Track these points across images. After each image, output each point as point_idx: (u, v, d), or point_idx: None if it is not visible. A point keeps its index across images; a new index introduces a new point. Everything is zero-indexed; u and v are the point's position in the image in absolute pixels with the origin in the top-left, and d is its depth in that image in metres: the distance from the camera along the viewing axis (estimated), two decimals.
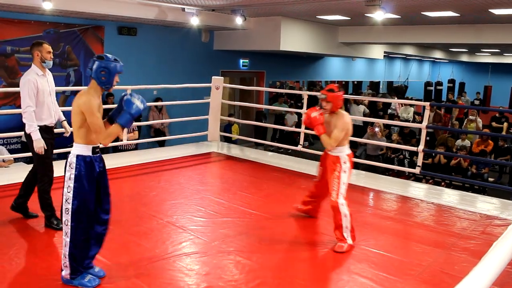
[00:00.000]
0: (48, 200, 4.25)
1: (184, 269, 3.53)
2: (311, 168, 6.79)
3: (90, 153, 3.16)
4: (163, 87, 8.76)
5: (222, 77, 8.28)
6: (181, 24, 9.98)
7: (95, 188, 3.19)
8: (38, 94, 4.12)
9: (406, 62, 23.37)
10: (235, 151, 8.05)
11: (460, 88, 23.68)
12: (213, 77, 8.05)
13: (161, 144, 9.65)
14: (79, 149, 3.14)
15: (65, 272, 3.15)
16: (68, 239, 3.08)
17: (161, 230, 4.25)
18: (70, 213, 3.07)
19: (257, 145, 10.17)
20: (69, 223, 3.07)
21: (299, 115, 11.74)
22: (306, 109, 7.15)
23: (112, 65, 3.19)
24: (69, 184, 3.09)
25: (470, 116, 12.39)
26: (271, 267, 3.63)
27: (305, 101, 7.26)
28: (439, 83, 22.74)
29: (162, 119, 10.06)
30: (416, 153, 6.68)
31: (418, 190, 6.23)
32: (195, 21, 9.38)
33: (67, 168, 3.12)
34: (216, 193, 5.54)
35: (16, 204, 4.42)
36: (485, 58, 24.28)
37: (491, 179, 10.13)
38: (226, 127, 11.47)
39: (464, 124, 12.75)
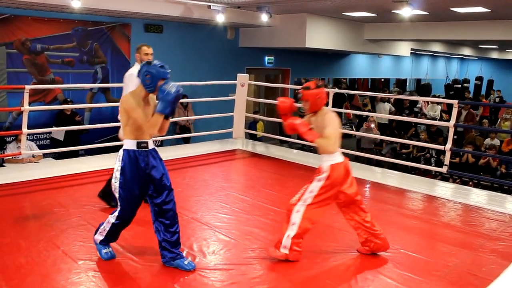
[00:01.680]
0: None
1: (208, 266, 3.55)
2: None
3: (134, 147, 3.38)
4: (189, 84, 8.81)
5: (248, 74, 8.30)
6: (206, 21, 10.02)
7: (141, 180, 3.40)
8: None
9: (434, 59, 22.99)
10: (260, 148, 8.06)
11: (489, 86, 23.18)
12: (238, 74, 8.07)
13: (186, 141, 9.73)
14: (127, 144, 3.40)
15: (98, 236, 3.58)
16: (114, 217, 3.48)
17: (185, 226, 4.28)
18: (118, 199, 3.43)
19: (282, 143, 10.15)
20: (117, 207, 3.47)
21: None
22: (331, 107, 7.11)
23: (155, 70, 3.34)
24: (116, 175, 3.40)
25: (504, 115, 12.13)
26: (295, 265, 3.63)
27: (330, 99, 7.21)
28: (466, 81, 22.32)
29: (187, 116, 10.14)
30: (443, 152, 6.57)
31: (445, 190, 6.13)
32: (220, 18, 9.41)
33: (116, 160, 3.42)
34: (241, 190, 5.56)
35: (102, 193, 4.77)
36: None
37: None
38: (251, 124, 11.49)
39: (498, 122, 12.49)
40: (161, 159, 3.56)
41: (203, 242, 3.96)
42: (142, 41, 9.95)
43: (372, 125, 10.80)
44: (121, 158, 3.38)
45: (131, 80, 4.56)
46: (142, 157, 3.39)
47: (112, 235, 3.57)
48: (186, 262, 3.48)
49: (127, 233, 4.03)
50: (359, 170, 6.67)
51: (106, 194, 4.75)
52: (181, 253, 3.53)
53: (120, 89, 9.90)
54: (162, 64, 3.42)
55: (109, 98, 9.78)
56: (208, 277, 3.38)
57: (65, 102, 8.88)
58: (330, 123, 3.59)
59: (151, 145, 3.47)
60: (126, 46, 9.89)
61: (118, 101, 9.91)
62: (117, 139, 5.41)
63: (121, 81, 10.42)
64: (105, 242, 3.59)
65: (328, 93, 3.87)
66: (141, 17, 9.68)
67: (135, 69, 4.59)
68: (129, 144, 3.38)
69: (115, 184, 3.40)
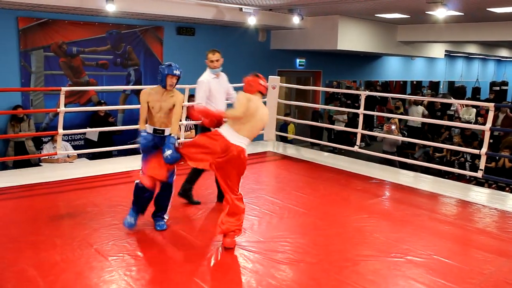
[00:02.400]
0: (195, 177, 5.04)
1: (237, 267, 3.56)
2: (367, 169, 6.69)
3: (151, 132, 4.14)
4: None
5: (279, 77, 8.28)
6: (238, 24, 10.07)
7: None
8: (211, 93, 4.93)
9: (469, 61, 22.48)
10: (291, 150, 8.04)
11: None
12: (269, 76, 8.06)
13: None
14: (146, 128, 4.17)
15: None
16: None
17: (215, 228, 4.30)
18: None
19: (313, 145, 10.11)
20: None
21: (356, 115, 11.56)
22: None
23: (162, 68, 4.03)
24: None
25: None
26: (325, 268, 3.60)
27: (362, 101, 7.14)
28: (504, 83, 21.73)
29: None
30: (478, 156, 6.41)
31: (480, 195, 5.98)
32: (252, 21, 9.44)
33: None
34: (271, 193, 5.56)
35: (182, 191, 4.99)
36: None
37: None
38: (282, 126, 11.47)
39: None
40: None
41: (234, 243, 3.97)
42: (175, 43, 10.18)
43: (393, 127, 10.62)
44: (140, 139, 4.18)
45: (200, 86, 4.92)
46: (157, 138, 4.15)
47: (136, 208, 4.22)
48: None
49: (159, 233, 4.09)
50: (385, 172, 6.59)
51: (185, 192, 4.98)
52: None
53: None
54: (170, 63, 4.10)
55: None
56: (238, 278, 3.38)
57: (99, 103, 9.05)
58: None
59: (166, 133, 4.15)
60: (159, 48, 10.03)
61: None
62: None
63: (153, 83, 10.56)
64: (133, 210, 4.23)
65: (259, 83, 4.05)
66: (174, 20, 9.80)
67: (205, 75, 5.00)
68: (147, 128, 4.20)
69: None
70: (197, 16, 9.12)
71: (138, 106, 9.43)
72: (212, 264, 3.59)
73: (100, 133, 8.59)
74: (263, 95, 4.11)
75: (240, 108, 3.79)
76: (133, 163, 6.47)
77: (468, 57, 21.73)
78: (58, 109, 6.02)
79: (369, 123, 14.31)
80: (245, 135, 3.83)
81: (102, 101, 9.09)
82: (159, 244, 3.90)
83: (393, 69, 17.29)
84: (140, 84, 9.79)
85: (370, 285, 3.38)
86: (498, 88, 20.02)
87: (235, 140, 3.78)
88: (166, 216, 4.29)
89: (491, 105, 6.05)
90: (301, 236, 4.22)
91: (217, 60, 5.01)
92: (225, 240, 3.85)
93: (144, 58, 9.85)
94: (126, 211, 4.61)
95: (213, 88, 4.95)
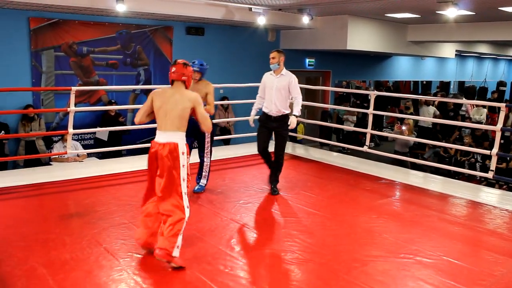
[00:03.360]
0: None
1: (247, 267, 3.56)
2: (376, 169, 6.67)
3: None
4: (230, 86, 8.88)
5: None
6: (247, 23, 10.07)
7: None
8: (266, 89, 5.60)
9: (480, 61, 22.30)
10: (300, 150, 8.03)
11: None
12: None
13: (227, 142, 9.79)
14: None
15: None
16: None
17: (225, 228, 4.31)
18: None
19: (322, 145, 10.08)
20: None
21: (365, 115, 11.51)
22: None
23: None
24: None
25: None
26: (334, 269, 3.59)
27: (372, 101, 7.11)
28: None
29: (228, 117, 10.21)
30: (489, 157, 6.36)
31: (490, 196, 5.93)
32: (262, 21, 9.43)
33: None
34: (280, 193, 5.54)
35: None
36: None
37: None
38: None
39: None
40: None
41: (242, 244, 3.97)
42: (184, 43, 10.20)
43: (404, 128, 10.57)
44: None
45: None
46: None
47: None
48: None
49: None
50: (395, 173, 6.56)
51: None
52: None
53: None
54: (194, 60, 5.21)
55: None
56: (247, 278, 3.38)
57: (109, 103, 9.10)
58: None
59: None
60: (168, 48, 10.06)
61: None
62: None
63: (163, 83, 10.64)
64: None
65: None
66: (183, 20, 9.82)
67: (267, 73, 5.79)
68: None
69: None
70: (206, 16, 9.13)
71: (137, 106, 9.52)
72: (221, 263, 3.59)
73: (110, 132, 8.64)
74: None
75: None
76: (142, 162, 6.51)
77: (479, 57, 21.56)
78: (68, 109, 6.06)
79: (378, 123, 14.25)
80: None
81: (112, 101, 9.14)
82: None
83: (403, 69, 17.19)
84: (150, 84, 9.83)
85: (379, 286, 3.36)
86: (504, 88, 19.84)
87: None
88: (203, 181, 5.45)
89: (502, 105, 5.99)
90: (310, 236, 4.21)
91: (273, 58, 5.70)
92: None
93: (153, 58, 9.88)
94: (135, 210, 4.64)
95: (268, 84, 5.73)
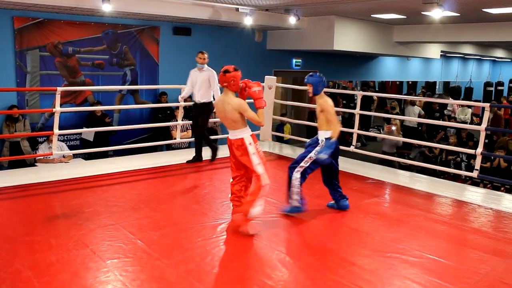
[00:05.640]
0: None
1: (234, 267, 3.56)
2: (363, 169, 6.70)
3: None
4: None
5: (275, 77, 8.28)
6: (234, 24, 10.07)
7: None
8: (191, 81, 6.60)
9: (464, 62, 22.55)
10: (287, 150, 8.04)
11: None
12: (266, 76, 8.07)
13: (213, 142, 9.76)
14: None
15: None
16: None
17: (213, 228, 4.30)
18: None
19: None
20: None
21: (352, 115, 11.57)
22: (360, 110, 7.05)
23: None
24: None
25: None
26: (321, 268, 3.60)
27: (358, 101, 7.15)
28: (500, 83, 21.84)
29: (214, 118, 10.18)
30: (474, 156, 6.44)
31: (475, 195, 6.00)
32: (248, 21, 9.44)
33: None
34: (267, 193, 5.52)
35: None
36: None
37: None
38: (278, 126, 11.48)
39: None
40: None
41: (230, 244, 3.97)
42: (171, 44, 10.17)
43: (393, 128, 10.63)
44: None
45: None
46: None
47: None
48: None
49: (155, 234, 4.09)
50: (382, 173, 6.60)
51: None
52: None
53: (148, 91, 10.07)
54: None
55: (138, 100, 9.92)
56: (234, 278, 3.38)
57: (95, 103, 9.04)
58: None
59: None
60: (155, 48, 10.02)
61: (146, 103, 10.08)
62: (144, 140, 5.64)
63: (149, 83, 10.59)
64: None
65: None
66: (170, 20, 9.79)
67: (193, 70, 6.68)
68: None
69: None
70: (193, 16, 9.11)
71: (134, 106, 9.48)
72: (208, 264, 3.58)
73: (96, 133, 8.57)
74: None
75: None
76: (129, 163, 6.49)
77: (464, 58, 21.82)
78: (54, 109, 6.01)
79: (365, 123, 14.34)
80: None
81: (98, 101, 9.07)
82: (154, 244, 3.90)
83: (389, 69, 17.32)
84: (136, 84, 9.78)
85: (366, 285, 3.38)
86: (491, 88, 20.12)
87: None
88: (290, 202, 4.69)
89: (486, 105, 6.07)
90: (297, 236, 4.23)
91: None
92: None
93: (140, 58, 9.83)
94: (122, 211, 4.62)
95: (194, 79, 6.66)
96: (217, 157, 6.96)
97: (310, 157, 4.65)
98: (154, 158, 6.91)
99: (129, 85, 9.67)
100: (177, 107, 7.63)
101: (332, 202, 5.01)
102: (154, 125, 8.47)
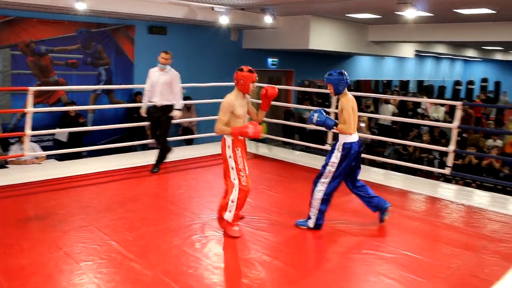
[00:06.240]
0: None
1: (210, 267, 3.55)
2: None
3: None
4: (192, 86, 8.82)
5: None
6: (210, 23, 10.04)
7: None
8: (152, 83, 6.14)
9: (437, 61, 22.94)
10: (263, 149, 8.06)
11: (496, 87, 23.15)
12: None
13: (189, 142, 9.74)
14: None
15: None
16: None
17: (188, 228, 4.29)
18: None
19: (285, 144, 10.15)
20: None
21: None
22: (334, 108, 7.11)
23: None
24: None
25: (511, 116, 12.14)
26: (298, 266, 3.63)
27: (333, 100, 7.21)
28: (470, 82, 22.27)
29: (190, 117, 10.15)
30: (446, 154, 6.56)
31: (448, 191, 6.12)
32: (224, 20, 9.42)
33: None
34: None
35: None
36: None
37: None
38: None
39: (505, 124, 12.46)
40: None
41: (206, 244, 3.97)
42: (146, 43, 10.09)
43: (362, 125, 10.78)
44: None
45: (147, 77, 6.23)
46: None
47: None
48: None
49: (130, 235, 4.06)
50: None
51: None
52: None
53: (123, 91, 9.97)
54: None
55: (113, 99, 9.81)
56: (210, 278, 3.38)
57: (69, 103, 8.90)
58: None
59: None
60: (130, 48, 9.92)
61: (121, 103, 9.98)
62: (119, 140, 5.55)
63: (124, 83, 10.47)
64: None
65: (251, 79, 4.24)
66: (145, 19, 9.71)
67: (153, 70, 6.25)
68: None
69: None
70: (168, 15, 9.06)
71: (109, 106, 9.39)
72: (184, 264, 3.57)
73: (70, 133, 8.45)
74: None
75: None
76: (104, 164, 6.42)
77: (437, 57, 22.19)
78: (26, 109, 5.90)
79: None
80: None
81: (72, 101, 8.94)
82: (129, 245, 3.86)
83: (364, 68, 17.51)
84: (111, 84, 9.67)
85: (342, 282, 3.42)
86: (460, 87, 20.51)
87: None
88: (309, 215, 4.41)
89: (458, 103, 6.19)
90: (274, 235, 4.24)
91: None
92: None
93: (115, 58, 9.73)
94: (97, 213, 4.57)
95: (154, 80, 6.18)
96: (165, 160, 6.43)
97: (329, 171, 4.30)
98: (129, 158, 6.85)
99: (103, 84, 9.57)
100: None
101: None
102: (129, 125, 8.39)
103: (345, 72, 4.31)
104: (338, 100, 4.30)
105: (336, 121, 4.29)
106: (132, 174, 6.12)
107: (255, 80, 4.23)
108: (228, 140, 4.20)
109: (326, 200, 4.32)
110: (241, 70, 4.22)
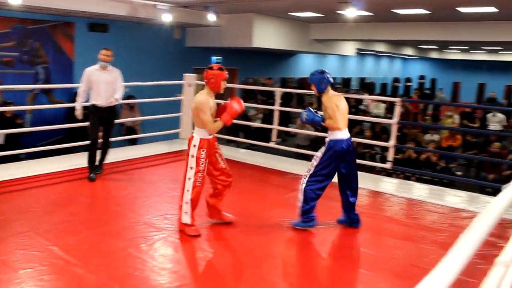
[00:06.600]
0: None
1: (156, 268, 3.50)
2: (282, 164, 6.84)
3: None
4: (135, 85, 8.66)
5: (195, 75, 8.24)
6: (153, 20, 9.89)
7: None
8: (92, 83, 5.65)
9: (377, 59, 23.67)
10: None
11: (432, 84, 24.17)
12: (185, 74, 8.01)
13: (133, 142, 9.55)
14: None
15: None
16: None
17: (133, 229, 4.21)
18: None
19: (229, 142, 10.14)
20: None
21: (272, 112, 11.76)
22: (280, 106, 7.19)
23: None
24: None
25: (447, 112, 12.68)
26: (245, 263, 3.64)
27: (277, 98, 7.29)
28: (408, 80, 23.13)
29: (134, 116, 9.96)
30: (387, 149, 6.78)
31: (389, 185, 6.33)
32: (167, 18, 9.30)
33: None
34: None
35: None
36: (454, 55, 24.81)
37: (459, 173, 10.36)
38: None
39: (441, 120, 13.01)
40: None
41: (152, 245, 3.91)
42: (87, 40, 9.81)
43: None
44: None
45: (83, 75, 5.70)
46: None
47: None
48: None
49: (72, 239, 3.93)
50: (301, 166, 6.78)
51: None
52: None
53: (63, 90, 9.63)
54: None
55: (52, 99, 9.46)
56: (157, 280, 3.34)
57: (5, 104, 8.50)
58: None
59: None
60: (70, 45, 9.61)
61: (61, 102, 9.65)
62: (60, 141, 5.34)
63: (64, 82, 10.12)
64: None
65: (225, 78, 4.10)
66: (85, 16, 9.43)
67: (92, 68, 5.73)
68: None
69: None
70: (110, 12, 8.84)
71: (48, 106, 9.04)
72: (130, 267, 3.50)
73: (7, 135, 8.07)
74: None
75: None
76: (44, 166, 6.17)
77: (377, 55, 22.90)
78: None
79: (285, 119, 14.63)
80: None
81: (8, 101, 8.55)
82: (72, 250, 3.74)
83: (307, 66, 17.80)
84: (49, 83, 9.33)
85: (289, 277, 3.47)
86: (399, 84, 21.27)
87: None
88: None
89: (398, 100, 6.42)
90: (220, 233, 4.24)
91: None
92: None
93: (53, 56, 9.39)
94: (37, 217, 4.39)
95: (95, 79, 5.70)
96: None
97: (312, 165, 4.26)
98: (71, 159, 6.63)
99: (42, 83, 9.22)
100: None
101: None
102: (71, 125, 8.11)
103: (327, 71, 4.30)
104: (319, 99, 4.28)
105: (324, 117, 4.27)
106: (74, 176, 5.92)
107: (226, 78, 4.10)
108: (196, 139, 4.08)
109: (308, 194, 4.21)
110: (211, 68, 4.07)
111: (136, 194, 5.28)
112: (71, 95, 9.64)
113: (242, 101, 4.16)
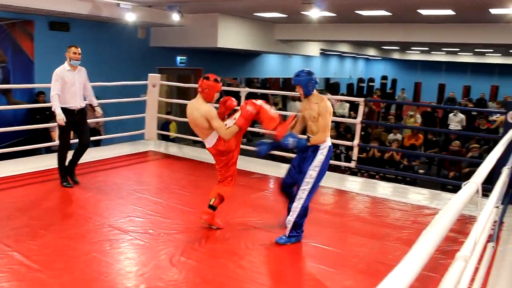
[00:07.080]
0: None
1: (123, 271, 3.45)
2: (248, 164, 6.85)
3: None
4: (98, 85, 8.50)
5: (159, 75, 8.16)
6: (116, 20, 9.72)
7: None
8: (65, 85, 5.28)
9: (342, 59, 23.99)
10: (173, 149, 7.97)
11: (393, 84, 24.69)
12: (149, 74, 7.92)
13: (96, 143, 9.36)
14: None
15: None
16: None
17: (98, 232, 4.14)
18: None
19: (195, 143, 10.10)
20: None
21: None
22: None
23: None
24: None
25: (410, 112, 12.98)
26: (212, 265, 3.63)
27: (242, 98, 7.29)
28: (371, 80, 23.56)
29: (96, 117, 9.76)
30: (351, 148, 6.89)
31: (354, 184, 6.43)
32: (130, 17, 9.18)
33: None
34: (154, 193, 5.47)
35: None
36: (415, 56, 25.43)
37: (421, 171, 10.63)
38: (163, 125, 11.32)
39: (404, 119, 13.30)
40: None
41: (117, 249, 3.85)
42: (47, 39, 9.57)
43: None
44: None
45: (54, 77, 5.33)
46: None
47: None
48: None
49: (34, 243, 3.83)
50: (267, 167, 6.82)
51: None
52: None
53: (23, 90, 9.38)
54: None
55: (11, 100, 9.18)
56: (123, 283, 3.29)
57: None
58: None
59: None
60: (29, 44, 9.34)
61: (20, 103, 9.38)
62: (20, 144, 5.17)
63: (23, 82, 9.85)
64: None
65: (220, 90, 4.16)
66: (45, 14, 9.18)
67: (61, 68, 5.37)
68: None
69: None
70: (71, 11, 8.63)
71: (7, 107, 8.78)
72: (94, 271, 3.44)
73: None
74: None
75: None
76: (3, 169, 5.98)
77: (341, 56, 23.21)
78: None
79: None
80: None
81: None
82: (34, 255, 3.65)
83: (272, 66, 17.88)
84: (8, 83, 9.04)
85: (257, 276, 3.47)
86: (363, 84, 21.65)
87: None
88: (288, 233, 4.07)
89: (361, 99, 6.53)
90: (186, 235, 4.21)
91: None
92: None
93: (12, 55, 9.11)
94: None
95: (67, 80, 5.34)
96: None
97: (311, 176, 3.98)
98: (32, 162, 6.45)
99: (0, 84, 8.93)
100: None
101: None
102: (31, 127, 7.90)
103: (313, 71, 4.05)
104: (299, 100, 4.23)
105: (307, 136, 4.06)
106: (35, 178, 5.77)
107: (220, 90, 4.09)
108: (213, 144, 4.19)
109: (307, 208, 4.01)
110: (207, 78, 4.03)
111: (100, 197, 5.18)
112: (32, 96, 9.38)
113: (257, 101, 4.08)
